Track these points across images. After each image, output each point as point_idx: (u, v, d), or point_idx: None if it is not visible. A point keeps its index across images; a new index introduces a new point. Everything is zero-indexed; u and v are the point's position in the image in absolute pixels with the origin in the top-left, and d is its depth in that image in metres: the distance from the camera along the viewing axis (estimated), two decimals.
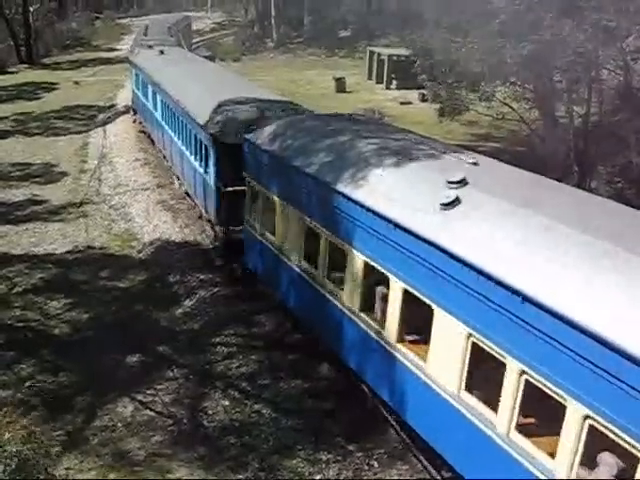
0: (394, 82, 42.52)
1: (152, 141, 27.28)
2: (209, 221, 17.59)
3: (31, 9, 56.65)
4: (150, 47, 31.11)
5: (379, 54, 44.63)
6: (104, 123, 33.48)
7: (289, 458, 10.59)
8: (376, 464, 10.48)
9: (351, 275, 10.39)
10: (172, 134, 21.68)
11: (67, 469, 10.32)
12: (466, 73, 22.72)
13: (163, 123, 23.43)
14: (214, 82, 21.21)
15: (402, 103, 37.53)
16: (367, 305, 10.15)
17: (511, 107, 24.10)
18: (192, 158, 18.53)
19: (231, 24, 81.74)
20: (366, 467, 10.45)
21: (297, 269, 12.06)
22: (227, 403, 11.94)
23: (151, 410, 11.73)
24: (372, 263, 9.85)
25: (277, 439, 10.98)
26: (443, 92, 25.35)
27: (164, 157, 24.50)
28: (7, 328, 14.40)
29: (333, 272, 11.12)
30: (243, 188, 14.32)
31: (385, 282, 9.62)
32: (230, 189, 15.15)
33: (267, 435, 11.08)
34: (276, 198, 12.76)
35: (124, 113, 34.36)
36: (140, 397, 12.05)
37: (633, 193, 19.48)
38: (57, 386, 12.46)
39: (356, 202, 10.04)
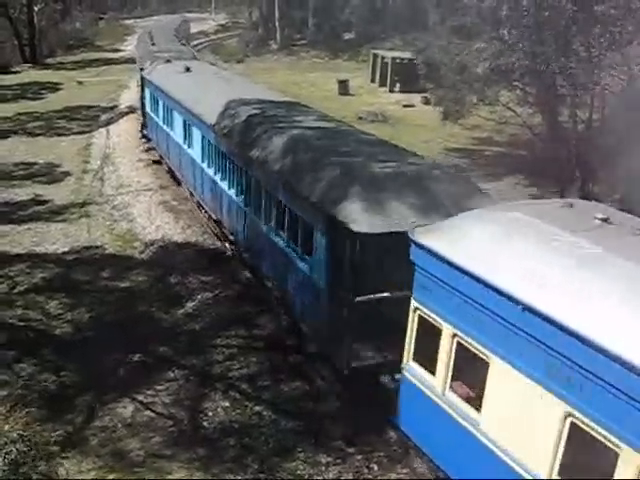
0: (397, 85, 42.56)
1: (177, 180, 23.00)
2: (307, 339, 12.44)
3: (35, 9, 56.82)
4: (168, 61, 26.21)
5: (382, 57, 44.69)
6: (107, 123, 33.52)
7: (289, 460, 10.58)
8: (376, 467, 10.48)
9: None
10: (224, 187, 16.48)
11: (66, 469, 10.30)
12: (470, 76, 22.75)
13: (205, 167, 18.10)
14: (285, 116, 15.61)
15: (405, 106, 37.59)
16: None
17: (514, 111, 24.12)
18: (272, 234, 13.38)
19: (235, 26, 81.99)
20: (366, 470, 10.44)
21: None
22: (227, 404, 11.93)
23: (151, 411, 11.72)
24: None
25: (277, 441, 10.98)
26: (448, 94, 25.32)
27: (199, 206, 19.87)
28: (8, 327, 14.39)
29: None
30: (382, 296, 10.19)
31: None
32: (361, 299, 10.27)
33: (267, 437, 11.07)
34: (494, 357, 7.90)
35: (127, 114, 34.39)
36: (140, 398, 12.04)
37: (635, 199, 19.44)
38: (58, 386, 12.43)
39: None
